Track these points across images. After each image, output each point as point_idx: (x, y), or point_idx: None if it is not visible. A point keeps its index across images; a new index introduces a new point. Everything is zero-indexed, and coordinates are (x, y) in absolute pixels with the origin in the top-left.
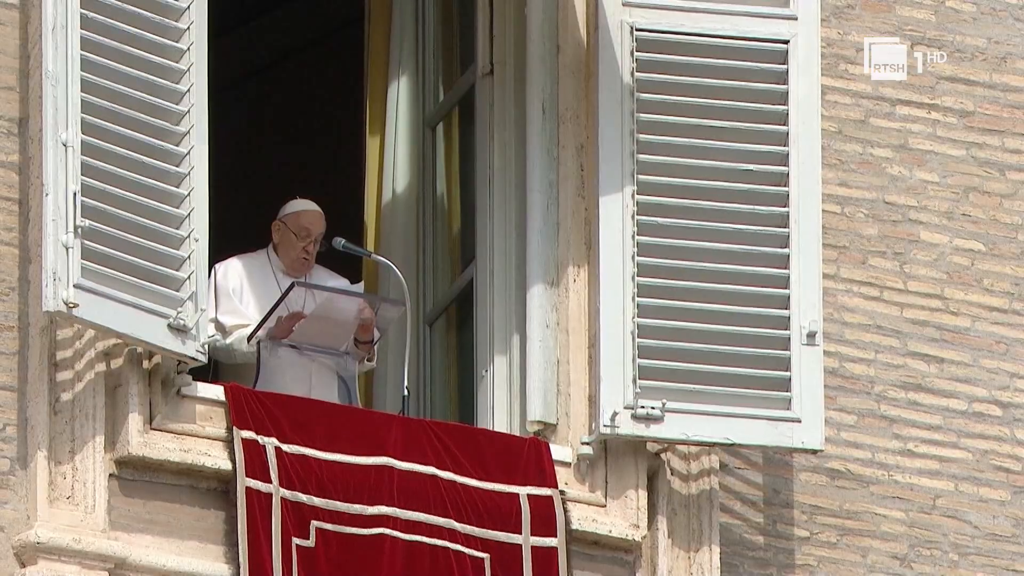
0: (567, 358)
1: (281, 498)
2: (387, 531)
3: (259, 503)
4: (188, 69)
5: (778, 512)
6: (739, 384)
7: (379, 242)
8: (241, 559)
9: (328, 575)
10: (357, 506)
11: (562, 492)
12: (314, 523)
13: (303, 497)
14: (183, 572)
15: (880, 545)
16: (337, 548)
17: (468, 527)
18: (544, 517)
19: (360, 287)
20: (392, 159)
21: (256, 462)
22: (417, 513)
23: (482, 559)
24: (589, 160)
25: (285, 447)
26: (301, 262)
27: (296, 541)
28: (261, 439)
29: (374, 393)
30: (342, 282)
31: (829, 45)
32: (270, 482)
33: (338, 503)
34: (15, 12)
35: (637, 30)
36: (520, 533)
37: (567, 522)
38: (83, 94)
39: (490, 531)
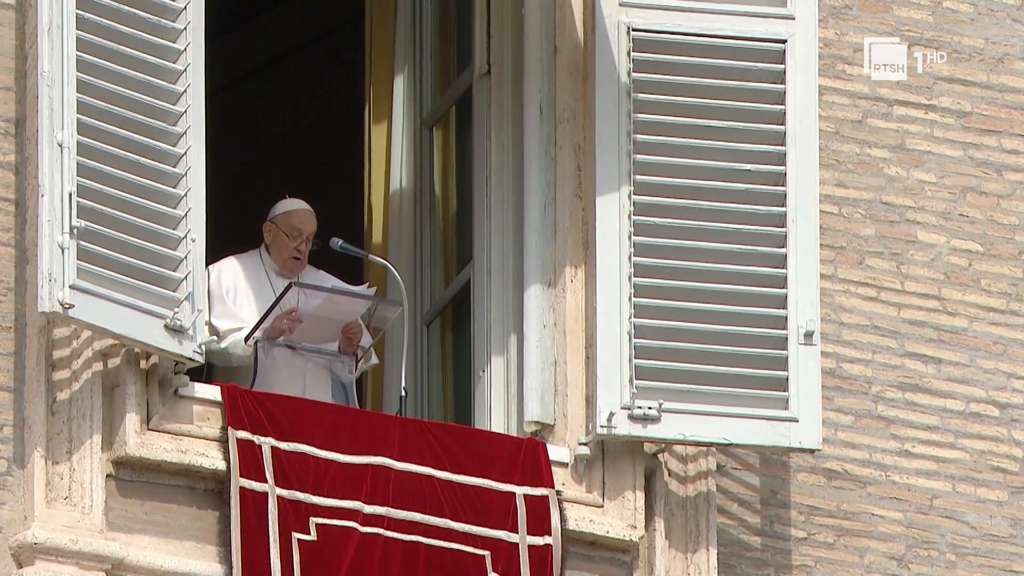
0: (564, 358)
1: (278, 496)
2: (383, 531)
3: (254, 502)
4: (185, 69)
5: (775, 513)
6: (736, 384)
7: (386, 241)
8: (234, 559)
9: (331, 568)
10: (355, 503)
11: (558, 492)
12: (313, 519)
13: (300, 495)
14: (180, 572)
15: (877, 545)
16: (339, 543)
17: (466, 526)
18: (540, 517)
19: (371, 290)
20: (399, 158)
21: (251, 462)
22: (414, 514)
23: (483, 556)
24: (586, 160)
25: (283, 445)
26: (293, 262)
27: (297, 536)
28: (257, 439)
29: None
30: (335, 282)
31: (827, 45)
32: (265, 482)
33: (336, 500)
34: (11, 12)
35: (634, 30)
36: (517, 532)
37: (562, 521)
38: (79, 95)
39: (488, 529)
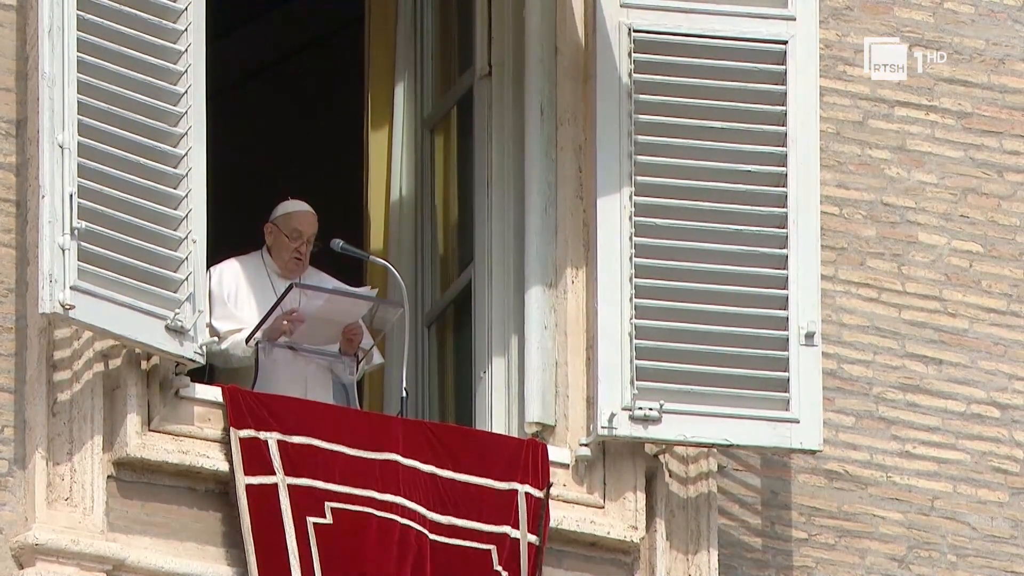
0: (565, 360)
1: (289, 485)
2: (399, 519)
3: (262, 496)
4: (186, 71)
5: (776, 514)
6: (737, 385)
7: (387, 243)
8: (248, 556)
9: (347, 552)
10: (369, 491)
11: (549, 484)
12: (328, 504)
13: (312, 482)
14: (181, 574)
15: (878, 546)
16: (357, 527)
17: (470, 522)
18: (536, 516)
19: (373, 291)
20: (400, 160)
21: (255, 459)
22: (420, 508)
23: (488, 550)
24: (587, 162)
25: (290, 439)
26: (294, 263)
27: (312, 520)
28: (262, 435)
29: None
30: (336, 284)
31: (827, 46)
32: (273, 474)
33: (350, 488)
34: (12, 14)
35: (635, 31)
36: (519, 528)
37: (545, 521)
38: (79, 96)
39: (492, 525)
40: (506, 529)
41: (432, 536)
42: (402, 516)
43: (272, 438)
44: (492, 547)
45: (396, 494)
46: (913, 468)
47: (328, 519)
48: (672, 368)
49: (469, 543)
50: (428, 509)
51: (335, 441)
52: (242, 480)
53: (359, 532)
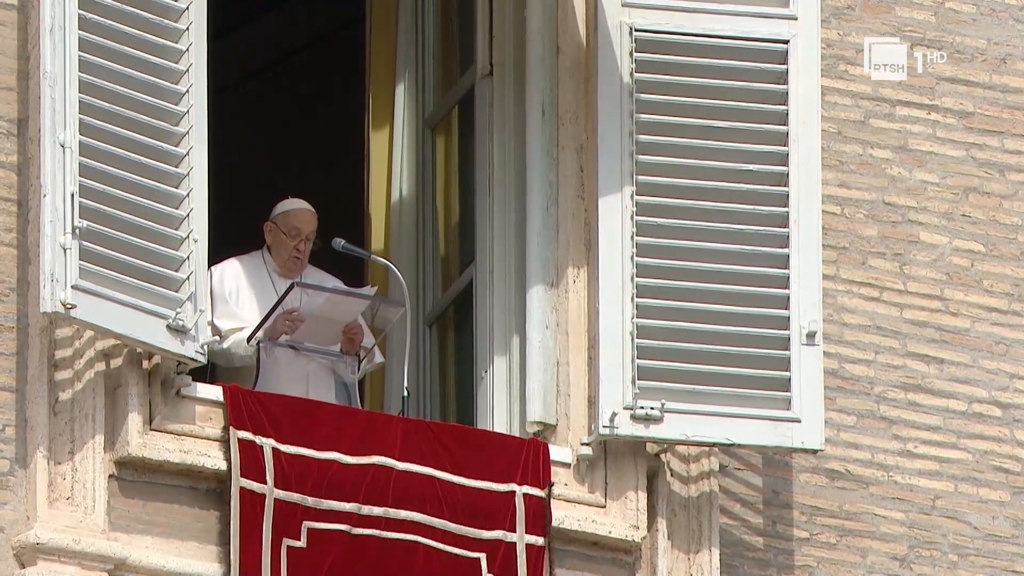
0: (567, 359)
1: (275, 499)
2: (379, 532)
3: (253, 503)
4: (187, 70)
5: (778, 513)
6: (739, 384)
7: (388, 242)
8: (232, 559)
9: (313, 573)
10: (350, 505)
11: (551, 486)
12: (306, 523)
13: (297, 497)
14: (182, 573)
15: (879, 546)
16: (328, 548)
17: (463, 528)
18: (538, 516)
19: (373, 290)
20: (400, 159)
21: (252, 463)
22: (413, 513)
23: (477, 559)
24: (589, 161)
25: (283, 447)
26: (294, 262)
27: (287, 542)
28: (259, 440)
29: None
30: (336, 283)
31: (829, 46)
32: (265, 483)
33: (332, 502)
34: (13, 13)
35: (636, 31)
36: (515, 531)
37: (550, 521)
38: (81, 95)
39: (486, 531)
40: (499, 534)
41: (425, 540)
42: (384, 529)
43: (268, 445)
44: (482, 555)
45: (383, 504)
46: (914, 467)
47: (302, 542)
48: (673, 367)
49: (459, 551)
50: (422, 513)
51: (330, 447)
52: (238, 481)
53: (332, 557)
